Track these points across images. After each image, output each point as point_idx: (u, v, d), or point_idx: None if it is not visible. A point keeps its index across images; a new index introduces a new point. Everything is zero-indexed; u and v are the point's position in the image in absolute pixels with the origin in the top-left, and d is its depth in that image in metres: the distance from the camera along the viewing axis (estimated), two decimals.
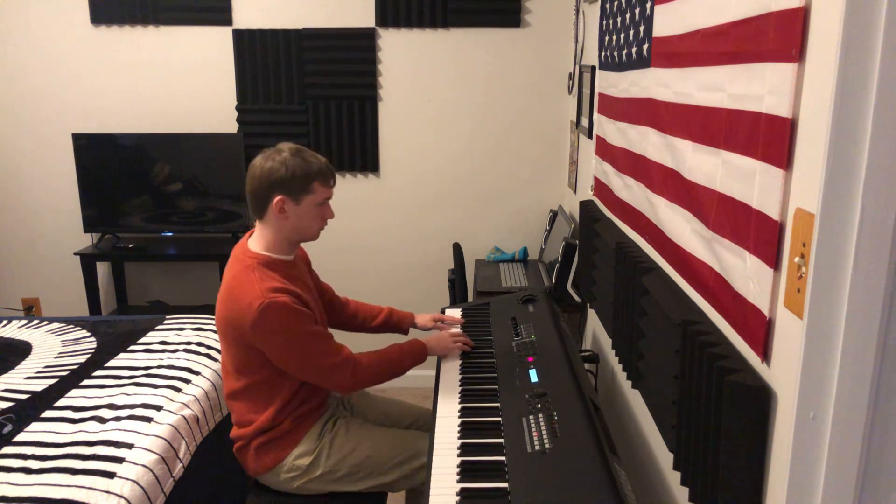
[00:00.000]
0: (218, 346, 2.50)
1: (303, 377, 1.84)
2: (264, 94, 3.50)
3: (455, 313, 2.35)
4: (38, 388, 2.19)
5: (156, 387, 2.16)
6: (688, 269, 1.49)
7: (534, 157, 3.55)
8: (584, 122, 2.86)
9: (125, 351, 2.47)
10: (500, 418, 1.64)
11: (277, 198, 1.79)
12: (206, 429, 2.14)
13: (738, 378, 1.13)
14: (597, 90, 2.57)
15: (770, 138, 1.07)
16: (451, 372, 1.93)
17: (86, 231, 3.52)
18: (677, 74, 1.55)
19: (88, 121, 3.57)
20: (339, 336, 2.02)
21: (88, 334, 2.65)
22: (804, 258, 0.97)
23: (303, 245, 2.01)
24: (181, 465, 1.93)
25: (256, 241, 1.87)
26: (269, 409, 1.85)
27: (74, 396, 2.13)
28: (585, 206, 2.59)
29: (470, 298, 3.18)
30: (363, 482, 1.91)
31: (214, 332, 2.61)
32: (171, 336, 2.57)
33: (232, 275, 1.82)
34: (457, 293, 3.06)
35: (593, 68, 2.66)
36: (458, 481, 1.41)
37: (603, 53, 2.45)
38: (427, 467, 1.48)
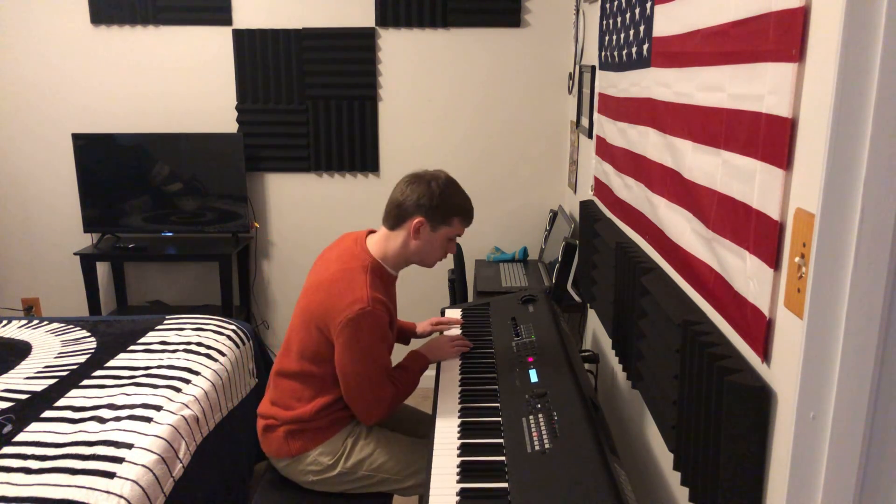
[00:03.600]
0: (218, 346, 2.50)
1: (346, 388, 1.83)
2: (264, 94, 3.50)
3: (455, 314, 2.35)
4: (38, 388, 2.19)
5: (156, 387, 2.16)
6: (688, 269, 1.49)
7: (534, 157, 3.55)
8: (584, 122, 2.86)
9: (125, 351, 2.47)
10: (500, 418, 1.63)
11: (419, 219, 1.84)
12: (206, 429, 2.14)
13: (738, 378, 1.13)
14: (597, 90, 2.57)
15: (770, 138, 1.07)
16: (451, 372, 1.93)
17: (86, 231, 3.52)
18: (677, 74, 1.55)
19: (88, 121, 3.57)
20: None
21: (88, 334, 2.65)
22: (804, 258, 0.97)
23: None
24: (181, 465, 1.93)
25: (377, 245, 1.90)
26: (314, 403, 1.86)
27: (74, 396, 2.13)
28: (585, 206, 2.59)
29: (470, 298, 3.17)
30: (379, 486, 1.92)
31: (214, 332, 2.61)
32: (171, 336, 2.57)
33: (344, 266, 1.84)
34: (457, 293, 3.06)
35: (593, 68, 2.66)
36: (458, 481, 1.41)
37: (603, 53, 2.45)
38: (427, 467, 1.48)
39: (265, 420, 1.94)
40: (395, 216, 1.88)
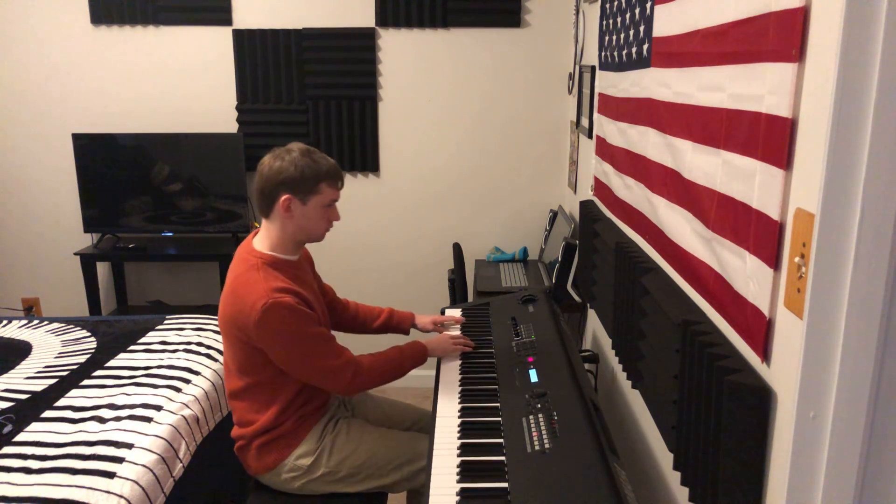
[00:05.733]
0: (218, 346, 2.50)
1: (304, 378, 1.84)
2: (264, 94, 3.50)
3: (455, 313, 2.35)
4: (38, 388, 2.19)
5: (156, 387, 2.16)
6: (688, 269, 1.49)
7: (534, 157, 3.55)
8: (584, 122, 2.86)
9: (125, 351, 2.47)
10: (500, 418, 1.63)
11: (284, 197, 1.79)
12: (206, 429, 2.14)
13: (738, 378, 1.13)
14: (597, 90, 2.57)
15: (770, 138, 1.07)
16: (451, 372, 1.93)
17: (86, 231, 3.52)
18: (677, 74, 1.55)
19: (88, 121, 3.57)
20: (340, 338, 2.03)
21: (88, 334, 2.65)
22: (804, 258, 0.97)
23: (306, 246, 2.01)
24: (181, 465, 1.93)
25: (262, 241, 1.87)
26: (271, 410, 1.85)
27: (74, 396, 2.13)
28: (585, 206, 2.59)
29: (470, 298, 3.18)
30: (363, 483, 1.91)
31: (214, 332, 2.61)
32: (171, 336, 2.57)
33: (236, 274, 1.82)
34: (457, 293, 3.06)
35: (593, 68, 2.66)
36: (458, 481, 1.41)
37: (603, 53, 2.45)
38: (427, 467, 1.48)
39: (237, 441, 1.94)
40: (263, 203, 1.83)
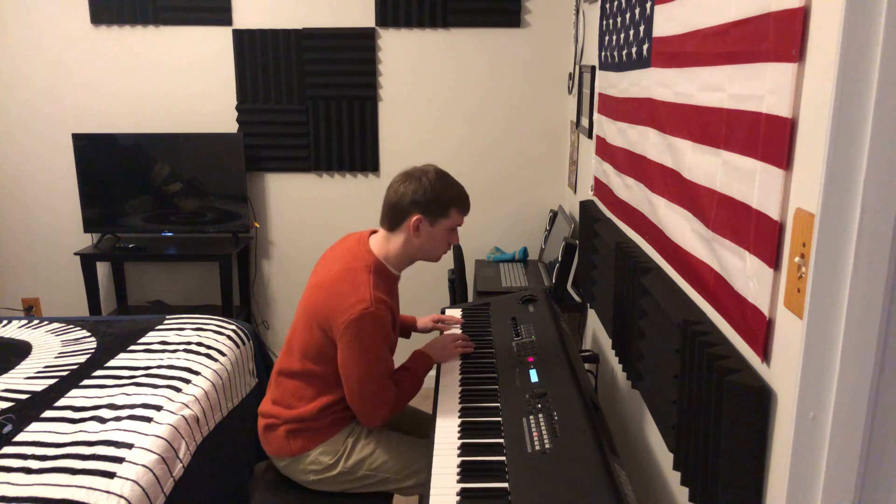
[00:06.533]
0: (218, 346, 2.50)
1: (349, 390, 1.82)
2: (264, 94, 3.50)
3: (455, 313, 2.35)
4: (38, 388, 2.19)
5: (156, 387, 2.16)
6: (688, 269, 1.49)
7: (534, 157, 3.55)
8: (584, 122, 2.86)
9: (125, 351, 2.47)
10: (500, 418, 1.63)
11: (416, 217, 1.84)
12: (206, 429, 2.14)
13: (738, 378, 1.13)
14: (597, 90, 2.57)
15: (770, 138, 1.07)
16: (451, 372, 1.93)
17: (86, 231, 3.52)
18: (677, 74, 1.55)
19: (88, 121, 3.57)
20: None
21: (88, 334, 2.65)
22: (804, 258, 0.97)
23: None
24: (181, 465, 1.93)
25: (378, 245, 1.90)
26: (317, 402, 1.86)
27: (74, 396, 2.13)
28: (585, 206, 2.59)
29: (470, 298, 3.18)
30: (378, 486, 1.92)
31: (214, 332, 2.61)
32: (171, 336, 2.57)
33: (347, 266, 1.83)
34: (457, 293, 3.06)
35: (593, 68, 2.66)
36: (459, 481, 1.41)
37: (603, 53, 2.45)
38: (427, 467, 1.48)
39: (266, 419, 1.94)
40: (392, 217, 1.88)
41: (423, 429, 2.15)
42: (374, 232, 1.96)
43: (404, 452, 1.94)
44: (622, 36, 2.13)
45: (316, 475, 1.89)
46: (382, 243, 1.90)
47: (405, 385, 1.91)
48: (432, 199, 1.84)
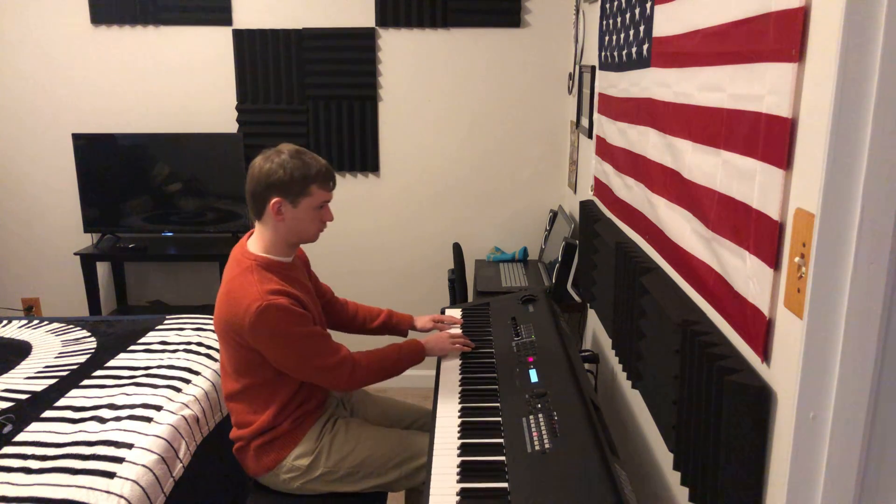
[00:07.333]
0: (218, 346, 2.50)
1: (301, 377, 1.84)
2: (264, 94, 3.50)
3: (455, 313, 2.35)
4: (38, 388, 2.19)
5: (156, 387, 2.16)
6: (688, 269, 1.49)
7: (534, 157, 3.55)
8: (584, 122, 2.86)
9: (125, 351, 2.47)
10: (500, 418, 1.63)
11: (274, 200, 1.78)
12: (206, 429, 2.14)
13: (738, 378, 1.13)
14: (597, 90, 2.57)
15: (770, 138, 1.07)
16: (451, 372, 1.93)
17: (86, 231, 3.52)
18: (677, 74, 1.55)
19: (88, 121, 3.57)
20: (339, 337, 2.02)
21: (88, 334, 2.65)
22: (804, 258, 0.97)
23: (302, 246, 2.01)
24: (181, 465, 1.93)
25: (255, 243, 1.87)
26: (269, 410, 1.86)
27: (74, 396, 2.13)
28: (585, 206, 2.59)
29: (470, 298, 3.17)
30: (363, 482, 1.91)
31: (214, 331, 2.61)
32: (171, 336, 2.57)
33: (231, 276, 1.82)
34: (457, 293, 3.06)
35: (593, 68, 2.66)
36: (458, 481, 1.41)
37: (603, 53, 2.45)
38: (427, 467, 1.48)
39: (236, 443, 1.94)
40: (254, 205, 1.83)
41: (407, 419, 2.15)
42: (252, 233, 1.91)
43: (386, 445, 1.93)
44: (622, 36, 2.13)
45: (298, 480, 1.89)
46: (258, 238, 1.86)
47: (379, 352, 1.90)
48: (288, 180, 1.76)
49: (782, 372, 1.07)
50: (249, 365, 1.83)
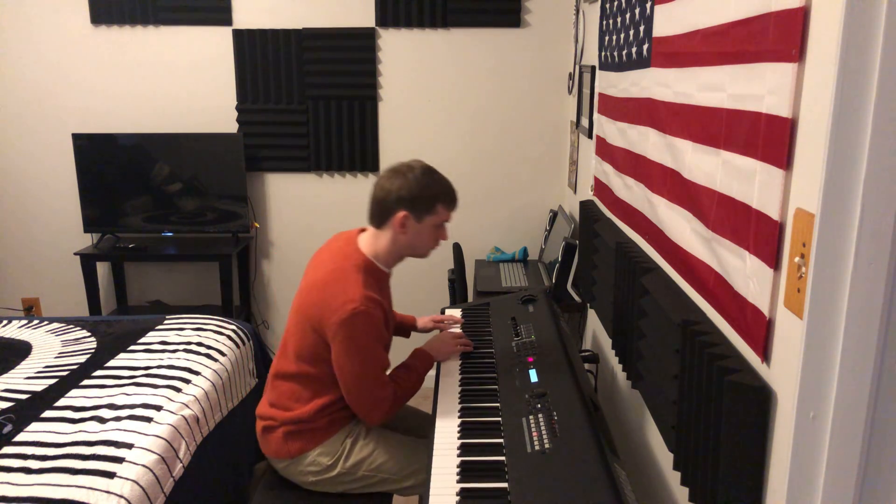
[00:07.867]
0: (218, 346, 2.50)
1: (346, 390, 1.83)
2: (264, 94, 3.50)
3: (455, 313, 2.35)
4: (38, 388, 2.19)
5: (156, 387, 2.16)
6: (688, 269, 1.49)
7: (534, 157, 3.55)
8: (584, 122, 2.86)
9: (125, 351, 2.47)
10: (499, 418, 1.63)
11: (402, 213, 1.82)
12: (206, 429, 2.14)
13: (738, 378, 1.13)
14: (597, 90, 2.57)
15: (770, 138, 1.07)
16: (451, 372, 1.93)
17: (86, 231, 3.52)
18: (677, 74, 1.55)
19: (88, 121, 3.57)
20: None
21: (88, 334, 2.65)
22: (804, 258, 0.97)
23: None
24: (181, 465, 1.93)
25: (367, 244, 1.89)
26: (313, 404, 1.86)
27: (74, 396, 2.13)
28: (585, 206, 2.59)
29: (470, 298, 3.17)
30: (378, 486, 1.92)
31: (214, 332, 2.61)
32: (171, 336, 2.57)
33: (336, 266, 1.83)
34: (457, 293, 3.06)
35: (593, 68, 2.66)
36: (458, 481, 1.41)
37: (603, 53, 2.45)
38: (427, 467, 1.48)
39: (264, 421, 1.94)
40: (378, 214, 1.86)
41: (422, 428, 2.15)
42: (363, 230, 1.95)
43: (403, 452, 1.94)
44: (622, 36, 2.13)
45: (315, 476, 1.89)
46: (371, 241, 1.89)
47: (405, 382, 1.91)
48: (418, 196, 1.82)
49: (782, 372, 1.07)
50: (314, 355, 1.84)
